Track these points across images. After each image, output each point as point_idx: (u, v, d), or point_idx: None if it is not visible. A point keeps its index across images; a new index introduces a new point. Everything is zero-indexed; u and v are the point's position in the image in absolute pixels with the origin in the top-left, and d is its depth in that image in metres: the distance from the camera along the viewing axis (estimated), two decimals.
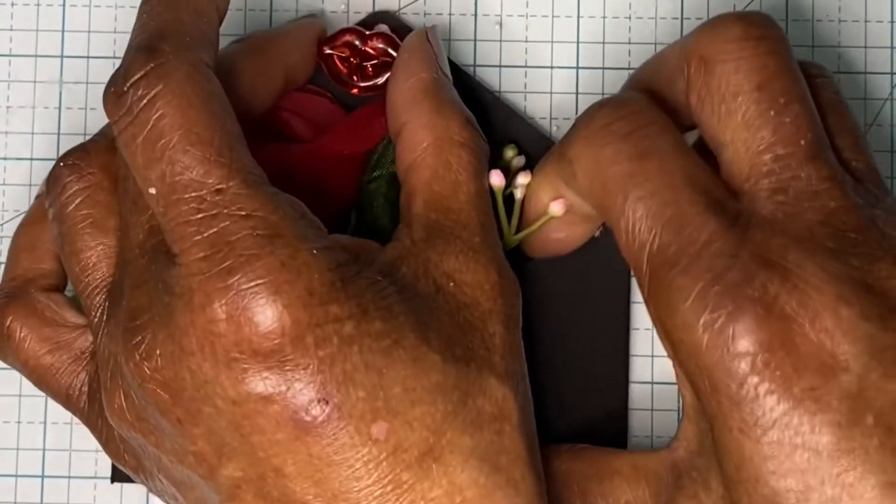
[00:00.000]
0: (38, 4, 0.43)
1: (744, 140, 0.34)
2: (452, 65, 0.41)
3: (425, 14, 0.43)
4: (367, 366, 0.32)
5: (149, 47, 0.34)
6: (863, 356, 0.31)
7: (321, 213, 0.35)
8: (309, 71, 0.41)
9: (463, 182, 0.36)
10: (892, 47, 0.42)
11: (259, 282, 0.32)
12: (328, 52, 0.41)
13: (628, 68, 0.43)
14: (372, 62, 0.41)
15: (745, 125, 0.34)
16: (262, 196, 0.33)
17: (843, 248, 0.32)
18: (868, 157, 0.36)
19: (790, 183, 0.33)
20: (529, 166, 0.40)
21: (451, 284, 0.35)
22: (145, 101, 0.33)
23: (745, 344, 0.31)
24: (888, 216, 0.34)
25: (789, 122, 0.34)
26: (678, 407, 0.42)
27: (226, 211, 0.32)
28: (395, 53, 0.40)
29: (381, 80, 0.41)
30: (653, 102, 0.35)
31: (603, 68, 0.43)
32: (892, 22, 0.43)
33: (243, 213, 0.32)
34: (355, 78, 0.41)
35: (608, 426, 0.41)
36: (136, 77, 0.33)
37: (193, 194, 0.32)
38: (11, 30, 0.43)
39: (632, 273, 0.40)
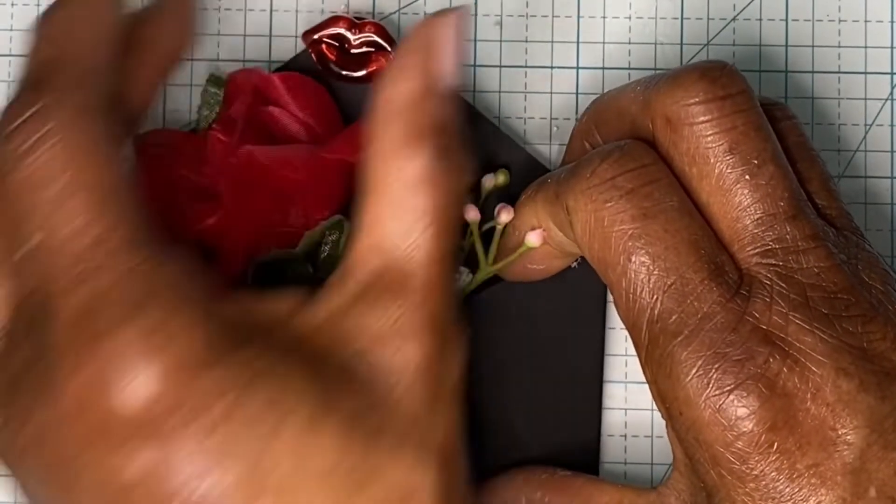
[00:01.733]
0: (39, 4, 0.43)
1: (720, 204, 0.34)
2: None
3: (425, 14, 0.43)
4: (253, 438, 0.29)
5: (37, 82, 0.32)
6: (863, 428, 0.31)
7: (312, 218, 0.36)
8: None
9: (418, 230, 0.33)
10: (892, 47, 0.42)
11: (135, 345, 0.29)
12: (316, 38, 0.40)
13: (628, 68, 0.42)
14: (362, 51, 0.40)
15: (720, 189, 0.34)
16: (147, 250, 0.31)
17: (837, 313, 0.32)
18: (839, 202, 0.36)
19: (777, 245, 0.33)
20: (512, 191, 0.39)
21: (367, 361, 0.32)
22: (29, 143, 0.30)
23: (748, 424, 0.31)
24: (871, 267, 0.34)
25: (765, 184, 0.33)
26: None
27: (107, 264, 0.30)
28: (384, 43, 0.40)
29: (370, 70, 0.40)
30: (657, 155, 0.34)
31: (603, 68, 0.43)
32: (892, 22, 0.43)
33: (124, 267, 0.30)
34: (344, 67, 0.40)
35: (581, 451, 0.40)
36: (22, 118, 0.31)
37: (76, 244, 0.30)
38: (11, 30, 0.43)
39: (608, 300, 0.40)
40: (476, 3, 0.43)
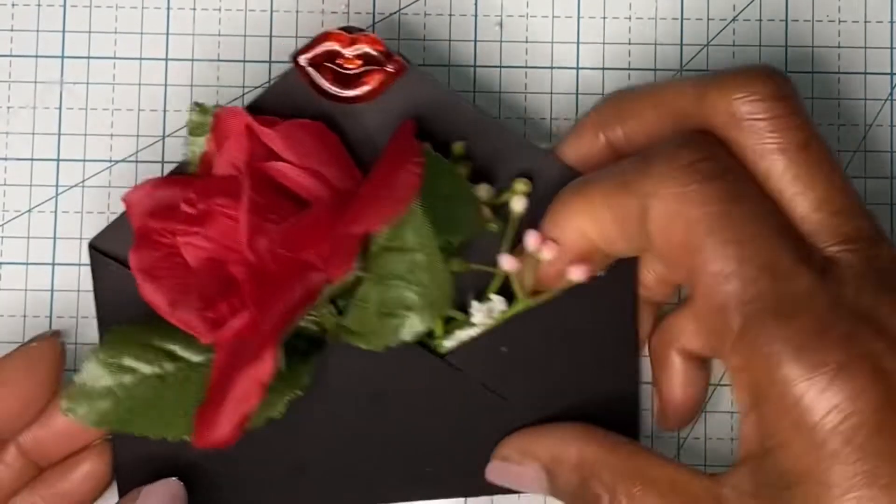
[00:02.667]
0: (39, 5, 0.43)
1: (791, 196, 0.34)
2: (451, 95, 0.39)
3: (426, 14, 0.43)
4: None
5: None
6: None
7: (334, 277, 0.35)
8: (45, 399, 0.39)
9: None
10: (892, 47, 0.42)
11: None
12: (304, 61, 0.38)
13: (628, 68, 0.43)
14: (356, 70, 0.38)
15: (794, 183, 0.34)
16: None
17: None
18: None
19: (856, 234, 0.34)
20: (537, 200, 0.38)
21: None
22: None
23: (858, 404, 0.31)
24: None
25: (839, 179, 0.34)
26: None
27: None
28: (379, 56, 0.38)
29: (367, 88, 0.38)
30: (725, 147, 0.35)
31: (603, 68, 0.43)
32: (892, 22, 0.43)
33: None
34: (340, 87, 0.38)
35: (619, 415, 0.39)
36: None
37: None
38: (12, 30, 0.43)
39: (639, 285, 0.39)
40: (476, 4, 0.43)
